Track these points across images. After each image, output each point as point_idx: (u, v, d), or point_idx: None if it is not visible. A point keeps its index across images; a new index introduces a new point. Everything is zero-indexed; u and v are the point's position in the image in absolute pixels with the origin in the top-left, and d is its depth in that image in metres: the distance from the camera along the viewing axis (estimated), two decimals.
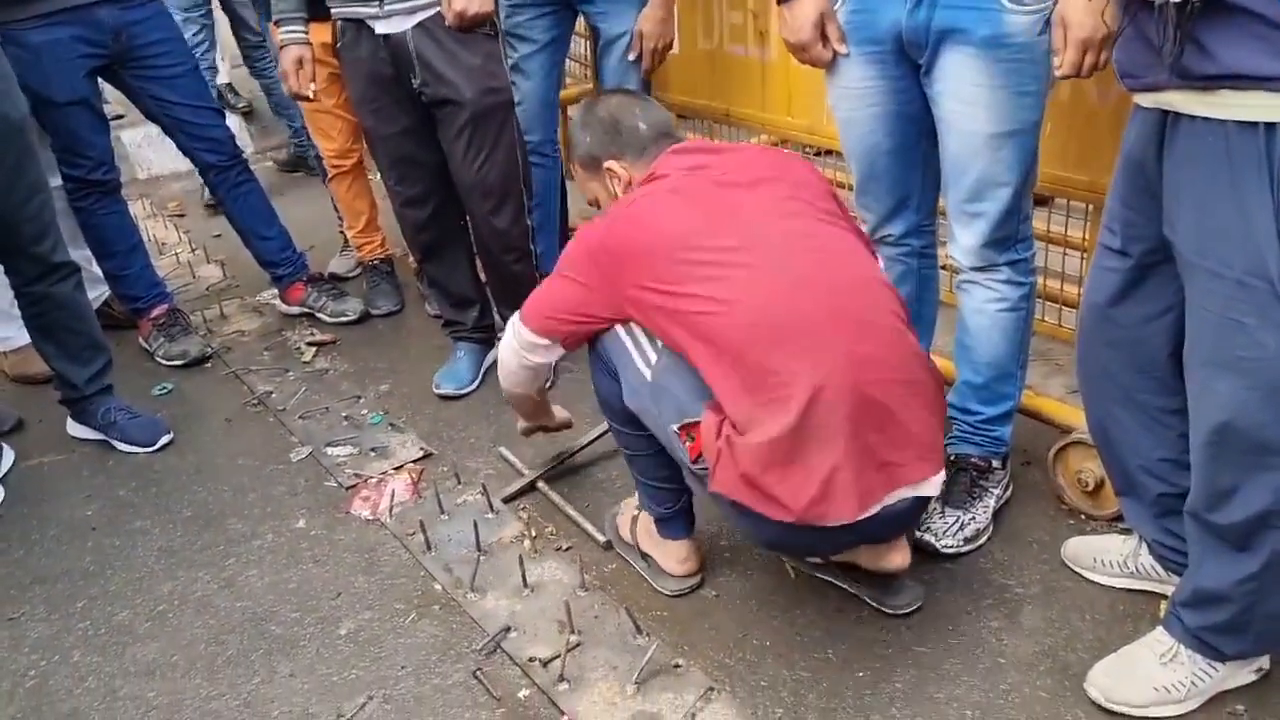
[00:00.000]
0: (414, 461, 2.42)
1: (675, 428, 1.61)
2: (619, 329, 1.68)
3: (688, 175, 1.66)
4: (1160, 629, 1.60)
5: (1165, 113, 1.29)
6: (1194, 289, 1.32)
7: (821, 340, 1.50)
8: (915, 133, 1.86)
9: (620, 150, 1.77)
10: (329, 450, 2.49)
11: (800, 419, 1.45)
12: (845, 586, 1.86)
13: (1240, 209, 1.20)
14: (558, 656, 1.77)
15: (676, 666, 1.75)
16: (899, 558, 1.74)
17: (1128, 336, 1.53)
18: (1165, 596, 1.74)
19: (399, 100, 2.38)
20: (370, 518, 2.24)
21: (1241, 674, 1.57)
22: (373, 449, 2.48)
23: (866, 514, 1.51)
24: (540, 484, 2.27)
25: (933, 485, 1.58)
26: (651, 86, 2.79)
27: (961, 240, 1.86)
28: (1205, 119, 1.22)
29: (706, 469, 1.57)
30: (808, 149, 2.85)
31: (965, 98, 1.72)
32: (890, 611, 1.81)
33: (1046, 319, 2.51)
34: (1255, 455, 1.31)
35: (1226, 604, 1.46)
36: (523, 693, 1.74)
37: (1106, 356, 1.58)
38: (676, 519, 1.89)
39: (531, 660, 1.79)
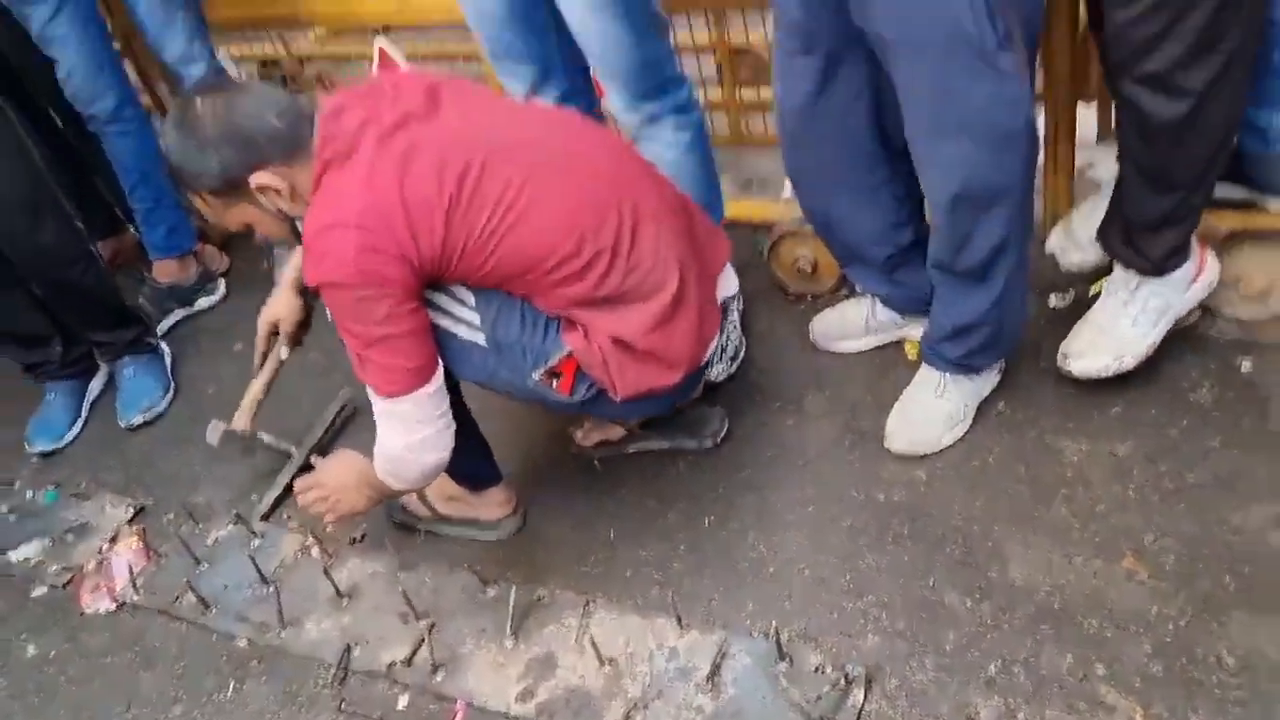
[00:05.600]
0: (129, 523, 2.05)
1: (538, 376, 1.51)
2: (429, 312, 1.47)
3: (377, 138, 1.39)
4: (925, 368, 1.80)
5: None
6: (900, 71, 1.40)
7: (638, 207, 1.51)
8: None
9: (263, 158, 1.43)
10: (13, 556, 2.04)
11: (679, 287, 1.51)
12: (656, 445, 1.90)
13: None
14: (419, 647, 1.64)
15: (540, 599, 1.69)
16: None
17: (833, 127, 1.60)
18: (904, 339, 1.96)
19: None
20: (113, 607, 1.89)
21: (991, 378, 1.82)
22: (68, 532, 2.06)
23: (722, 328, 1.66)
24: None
25: (732, 283, 1.75)
26: (202, 6, 2.39)
27: (615, 102, 1.82)
28: None
29: (590, 394, 1.54)
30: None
31: None
32: (711, 443, 1.88)
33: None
34: (985, 201, 1.47)
35: (980, 329, 1.66)
36: (401, 702, 1.61)
37: (816, 151, 1.66)
38: (488, 470, 1.80)
39: (392, 665, 1.65)
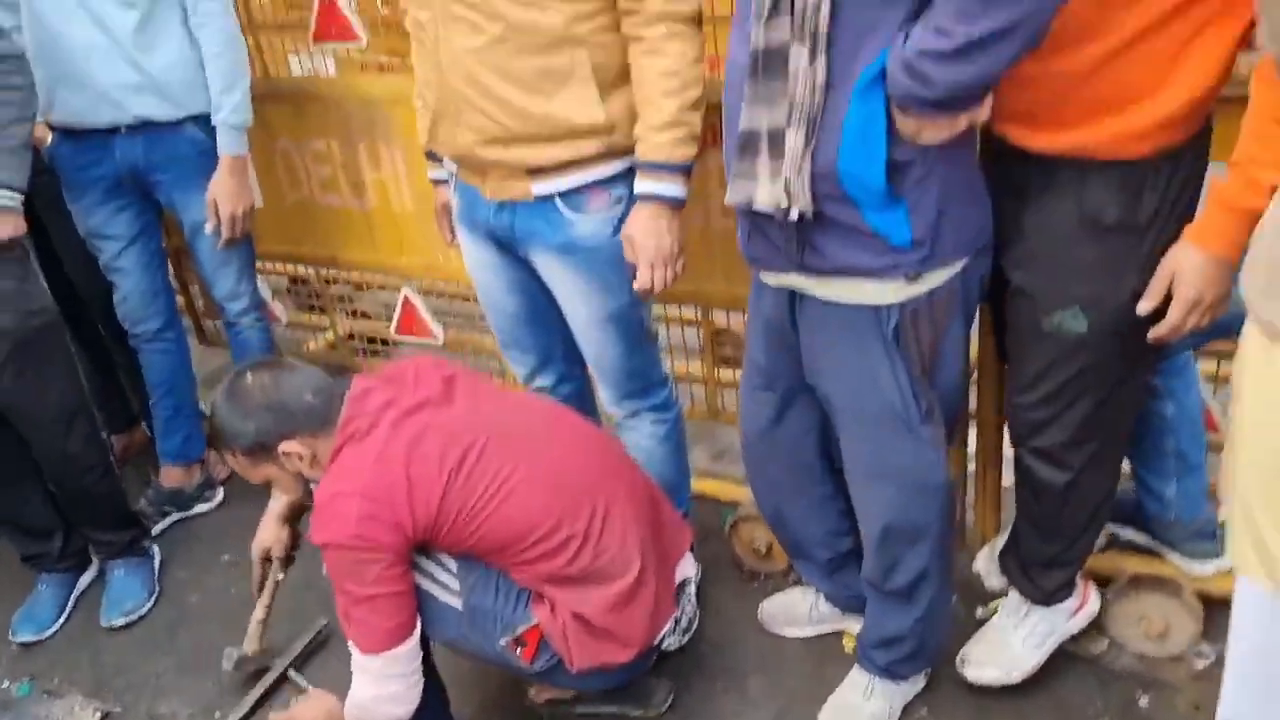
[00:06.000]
0: None
1: (505, 642, 1.68)
2: (413, 575, 1.66)
3: (394, 420, 1.63)
4: (856, 668, 1.97)
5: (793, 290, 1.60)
6: (842, 424, 1.66)
7: (610, 495, 1.73)
8: (545, 302, 1.98)
9: (295, 429, 1.65)
10: None
11: (640, 572, 1.71)
12: (604, 710, 2.03)
13: (869, 368, 1.54)
14: None
15: None
16: None
17: (786, 449, 1.85)
18: (843, 631, 2.13)
19: None
20: None
21: (917, 682, 1.98)
22: None
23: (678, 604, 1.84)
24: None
25: (690, 567, 1.95)
26: (253, 242, 2.67)
27: (604, 396, 2.09)
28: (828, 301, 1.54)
29: (551, 663, 1.71)
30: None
31: (563, 291, 1.91)
32: (655, 713, 2.01)
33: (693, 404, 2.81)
34: (910, 537, 1.70)
35: (907, 641, 1.84)
36: None
37: (772, 468, 1.89)
38: None
39: None
